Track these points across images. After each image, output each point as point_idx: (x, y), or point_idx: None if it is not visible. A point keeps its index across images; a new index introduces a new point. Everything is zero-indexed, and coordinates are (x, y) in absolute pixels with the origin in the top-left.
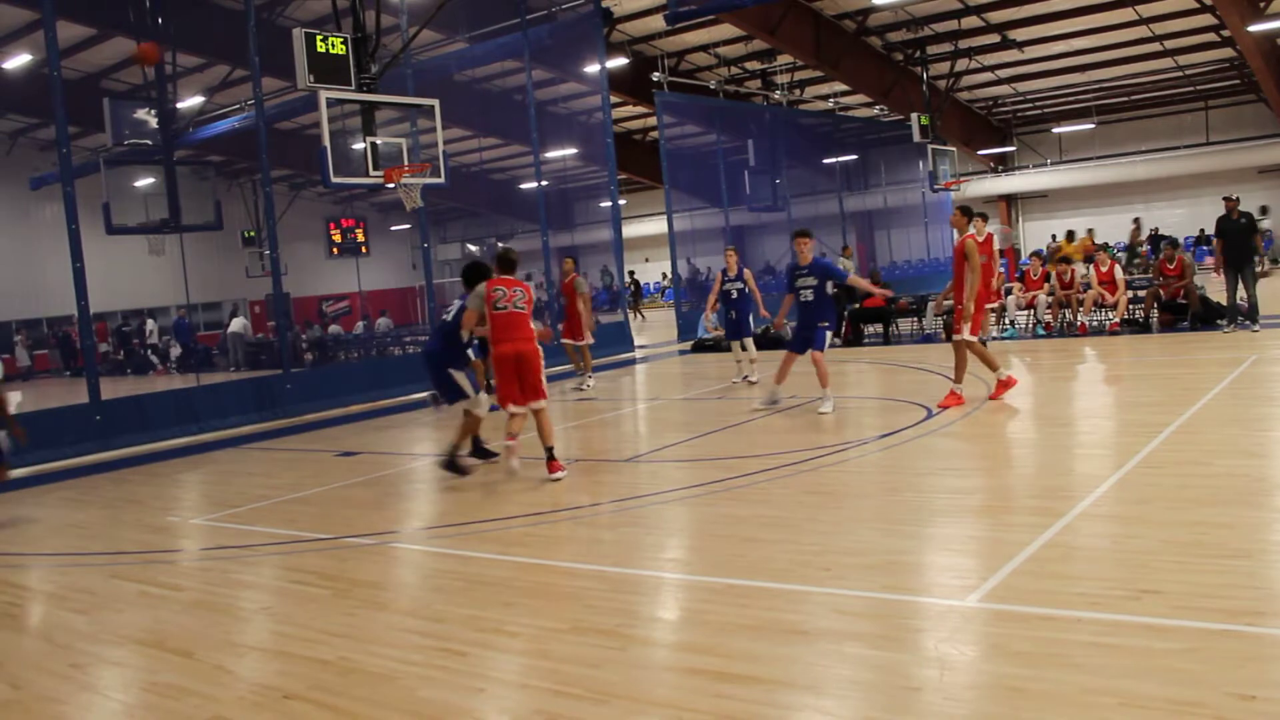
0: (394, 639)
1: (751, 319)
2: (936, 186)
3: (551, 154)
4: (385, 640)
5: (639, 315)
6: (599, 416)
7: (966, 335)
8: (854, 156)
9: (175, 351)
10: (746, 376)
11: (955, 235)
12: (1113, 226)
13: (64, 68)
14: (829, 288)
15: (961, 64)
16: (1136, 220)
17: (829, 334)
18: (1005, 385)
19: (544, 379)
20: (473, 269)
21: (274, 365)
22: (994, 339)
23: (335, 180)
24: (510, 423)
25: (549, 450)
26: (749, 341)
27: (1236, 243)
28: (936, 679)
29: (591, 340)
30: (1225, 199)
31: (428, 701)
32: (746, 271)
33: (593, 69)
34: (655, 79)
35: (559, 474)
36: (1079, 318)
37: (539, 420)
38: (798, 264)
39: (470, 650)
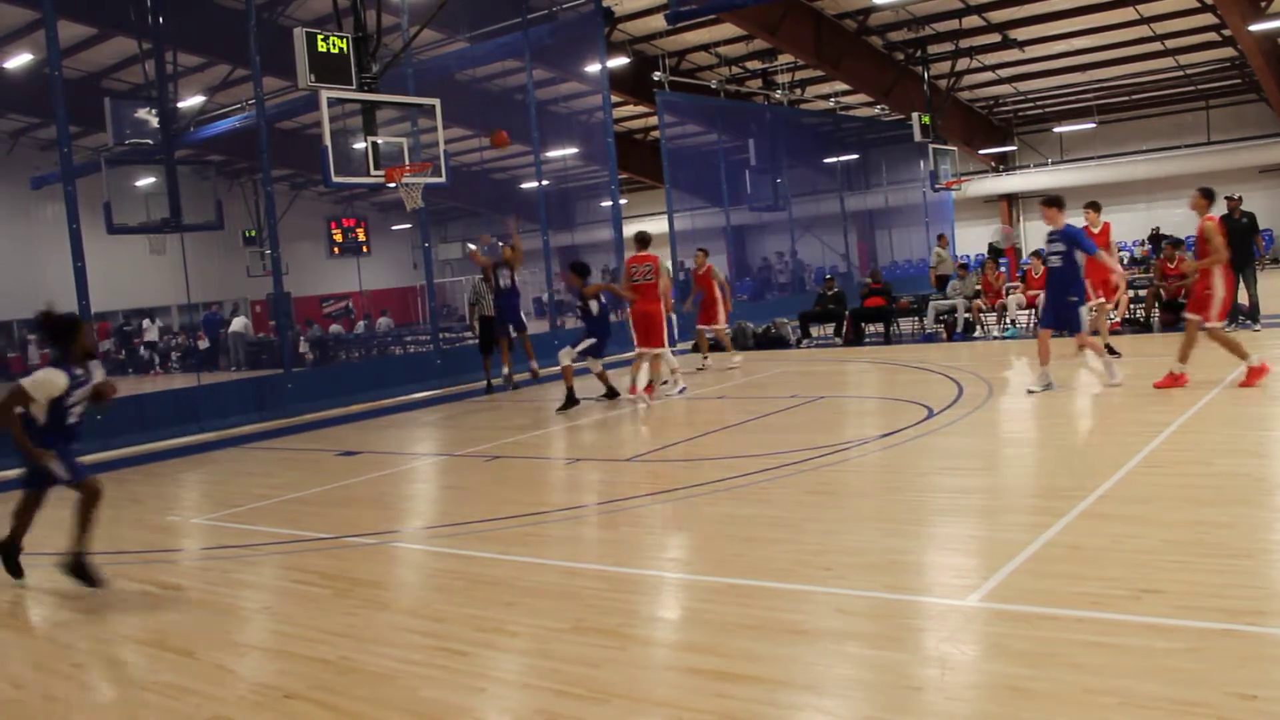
0: (395, 638)
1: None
2: (937, 186)
3: (552, 153)
4: (386, 640)
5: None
6: (599, 416)
7: (1214, 321)
8: (855, 156)
9: (203, 345)
10: (679, 388)
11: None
12: (1114, 226)
13: (65, 67)
14: (1078, 256)
15: (962, 63)
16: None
17: (1083, 310)
18: (1259, 372)
19: (664, 334)
20: (579, 264)
21: (274, 365)
22: (995, 339)
23: (336, 180)
24: (636, 369)
25: (649, 381)
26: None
27: (1238, 242)
28: (937, 678)
29: (726, 326)
30: (1227, 198)
31: (429, 701)
32: (593, 286)
33: (593, 68)
34: (656, 78)
35: (645, 396)
36: None
37: (652, 363)
38: (1052, 232)
39: (471, 650)
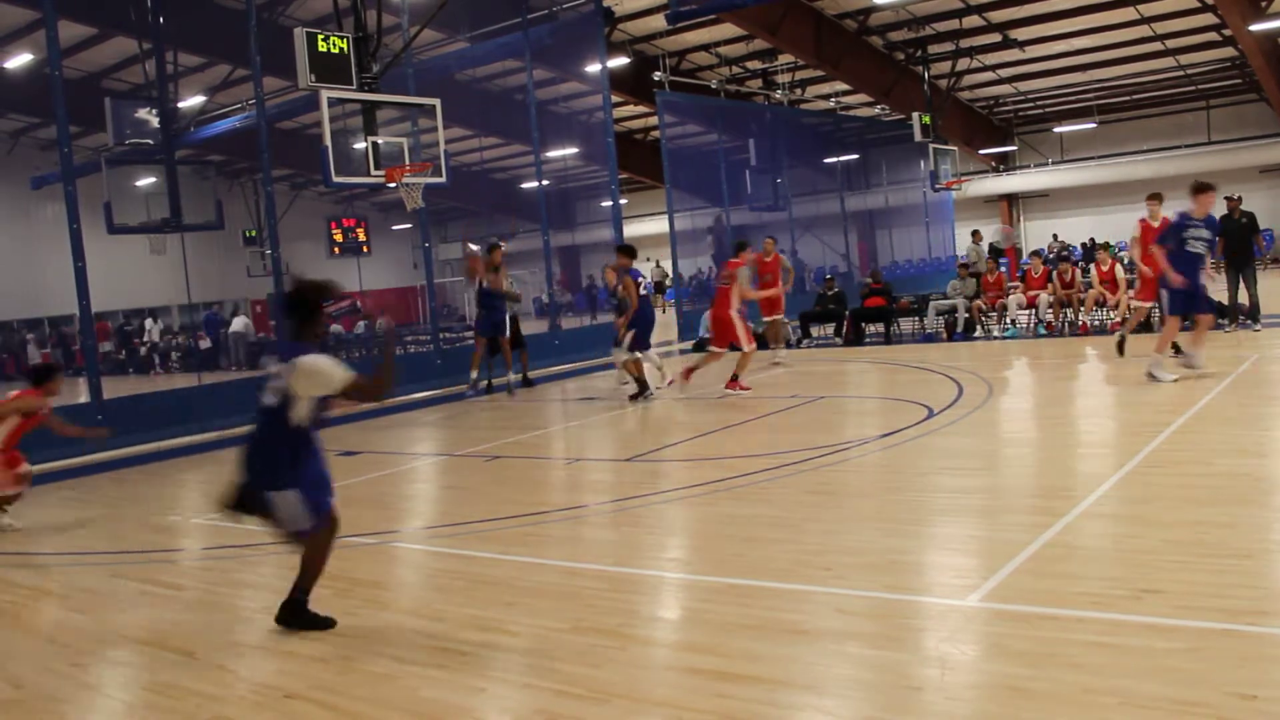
0: (395, 638)
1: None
2: (938, 186)
3: (552, 153)
4: (386, 640)
5: None
6: (600, 416)
7: None
8: (855, 156)
9: (204, 344)
10: (668, 380)
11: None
12: (1114, 226)
13: (65, 67)
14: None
15: (963, 63)
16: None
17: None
18: None
19: (740, 334)
20: (628, 247)
21: None
22: (995, 338)
23: (336, 180)
24: (705, 360)
25: (734, 377)
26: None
27: (1238, 242)
28: (937, 678)
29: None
30: (1227, 198)
31: (429, 701)
32: (627, 279)
33: (594, 68)
34: (656, 78)
35: (732, 392)
36: (1080, 317)
37: (707, 359)
38: (1187, 216)
39: (471, 650)
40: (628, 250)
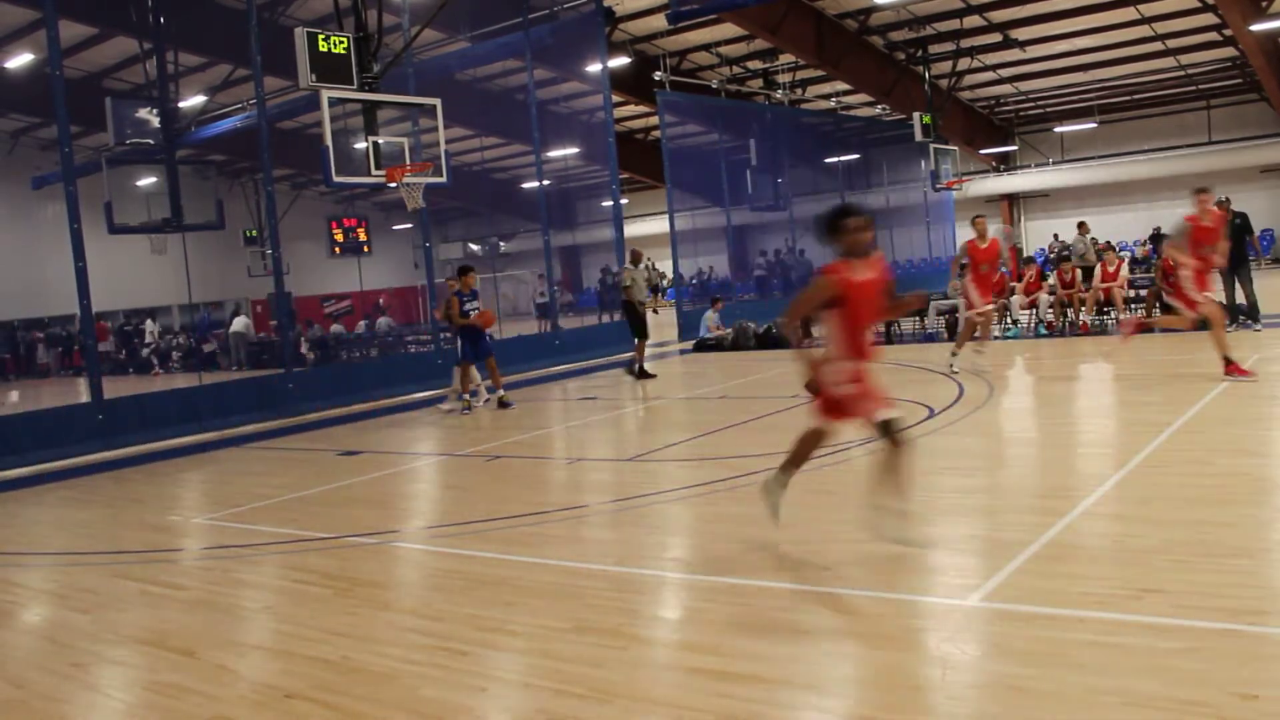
0: (396, 638)
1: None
2: (938, 186)
3: (553, 153)
4: (387, 639)
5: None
6: (600, 416)
7: None
8: (856, 156)
9: (207, 346)
10: (486, 398)
11: None
12: (1115, 226)
13: (66, 67)
14: None
15: (963, 63)
16: None
17: None
18: None
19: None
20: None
21: (276, 365)
22: (996, 339)
23: (337, 179)
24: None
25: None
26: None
27: (1232, 243)
28: (938, 678)
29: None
30: (1218, 202)
31: (430, 701)
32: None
33: (594, 68)
34: (657, 78)
35: (1235, 378)
36: (1081, 317)
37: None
38: None
39: (472, 649)
40: (468, 269)
